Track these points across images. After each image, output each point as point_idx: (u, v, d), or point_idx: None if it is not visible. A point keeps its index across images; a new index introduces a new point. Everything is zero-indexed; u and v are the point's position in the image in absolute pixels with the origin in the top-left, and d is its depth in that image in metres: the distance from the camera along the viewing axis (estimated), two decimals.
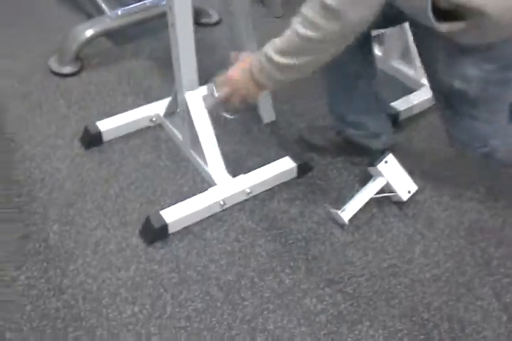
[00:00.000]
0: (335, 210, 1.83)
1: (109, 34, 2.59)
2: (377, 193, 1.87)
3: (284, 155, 2.00)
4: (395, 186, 1.87)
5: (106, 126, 2.11)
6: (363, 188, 1.89)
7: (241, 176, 1.92)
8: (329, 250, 1.78)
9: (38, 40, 2.63)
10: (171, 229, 1.79)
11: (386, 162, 1.86)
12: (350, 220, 1.84)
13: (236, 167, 1.99)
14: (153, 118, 2.18)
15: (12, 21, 2.76)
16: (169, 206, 1.82)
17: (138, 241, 1.79)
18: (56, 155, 2.08)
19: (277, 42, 1.39)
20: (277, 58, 1.38)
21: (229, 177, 1.91)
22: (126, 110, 2.20)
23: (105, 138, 2.12)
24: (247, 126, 2.21)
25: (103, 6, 2.53)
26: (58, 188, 1.95)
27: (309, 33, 1.31)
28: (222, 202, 1.85)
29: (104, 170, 2.03)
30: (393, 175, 1.87)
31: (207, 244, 1.79)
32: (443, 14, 1.33)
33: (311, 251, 1.78)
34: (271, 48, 1.39)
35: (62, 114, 2.26)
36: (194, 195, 1.86)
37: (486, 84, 1.50)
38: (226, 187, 1.88)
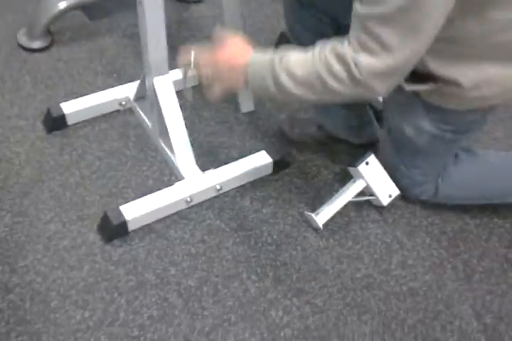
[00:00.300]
0: (309, 213, 1.70)
1: (84, 7, 2.40)
2: (357, 196, 1.75)
3: (261, 149, 1.86)
4: (375, 189, 1.74)
5: (70, 108, 1.95)
6: (342, 190, 1.76)
7: (211, 171, 1.78)
8: (300, 256, 1.66)
9: (7, 11, 2.44)
10: (131, 227, 1.66)
11: (367, 163, 1.73)
12: (326, 224, 1.71)
13: (207, 160, 1.86)
14: (123, 102, 2.02)
15: None
16: (132, 200, 1.68)
17: (95, 237, 1.66)
18: (16, 138, 1.93)
19: (292, 64, 1.25)
20: (284, 79, 1.25)
21: (198, 171, 1.77)
22: (96, 91, 2.04)
23: (70, 121, 1.96)
24: (223, 115, 2.06)
25: None
26: (15, 175, 1.81)
27: (332, 83, 1.21)
28: (188, 199, 1.72)
29: (66, 156, 1.88)
30: (374, 178, 1.73)
31: (169, 244, 1.66)
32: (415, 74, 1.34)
33: (281, 256, 1.66)
34: (283, 67, 1.25)
35: (26, 93, 2.10)
36: (159, 189, 1.73)
37: (435, 140, 1.56)
38: (194, 183, 1.74)
